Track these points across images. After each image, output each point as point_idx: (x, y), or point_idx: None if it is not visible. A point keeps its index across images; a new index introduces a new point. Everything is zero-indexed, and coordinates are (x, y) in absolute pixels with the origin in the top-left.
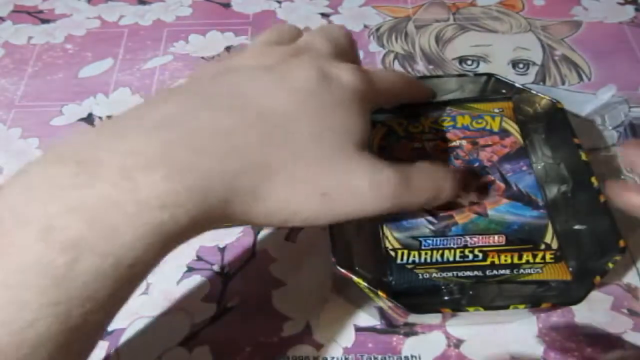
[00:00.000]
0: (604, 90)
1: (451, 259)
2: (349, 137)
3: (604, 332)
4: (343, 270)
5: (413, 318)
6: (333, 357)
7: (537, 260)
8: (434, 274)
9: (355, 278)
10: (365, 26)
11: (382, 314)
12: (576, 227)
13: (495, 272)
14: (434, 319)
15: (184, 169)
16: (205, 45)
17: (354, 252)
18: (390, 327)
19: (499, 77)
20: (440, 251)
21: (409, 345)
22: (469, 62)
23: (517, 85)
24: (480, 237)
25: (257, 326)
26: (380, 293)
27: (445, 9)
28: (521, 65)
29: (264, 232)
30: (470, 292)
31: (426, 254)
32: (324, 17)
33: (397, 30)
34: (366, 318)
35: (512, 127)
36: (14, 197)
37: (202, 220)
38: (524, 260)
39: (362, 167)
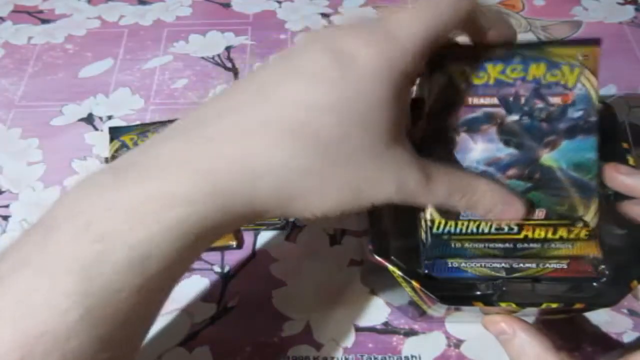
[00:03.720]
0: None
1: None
2: (375, 133)
3: (604, 332)
4: (379, 258)
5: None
6: (333, 357)
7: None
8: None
9: (390, 267)
10: None
11: (414, 309)
12: (617, 231)
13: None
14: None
15: (209, 170)
16: (205, 45)
17: (390, 243)
18: (390, 327)
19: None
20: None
21: (409, 345)
22: None
23: None
24: None
25: (257, 326)
26: (414, 283)
27: None
28: None
29: (264, 232)
30: (504, 289)
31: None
32: (324, 17)
33: None
34: (367, 318)
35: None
36: (69, 198)
37: (231, 217)
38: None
39: (390, 167)
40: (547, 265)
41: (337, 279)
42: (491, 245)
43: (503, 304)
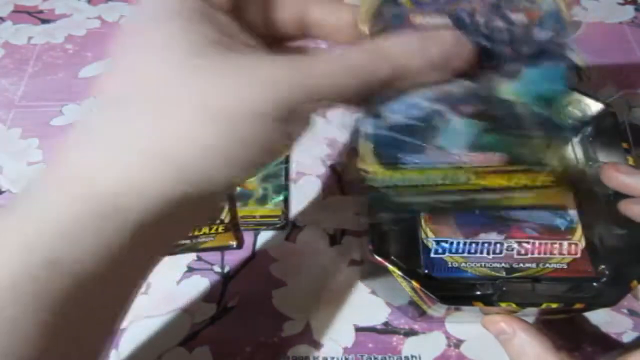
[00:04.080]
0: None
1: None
2: (191, 53)
3: (604, 332)
4: (379, 258)
5: (438, 309)
6: (333, 357)
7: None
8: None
9: (390, 267)
10: None
11: (414, 310)
12: (617, 231)
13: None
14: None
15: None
16: None
17: (390, 243)
18: (390, 327)
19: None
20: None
21: (409, 345)
22: None
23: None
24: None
25: (257, 326)
26: (414, 283)
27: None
28: None
29: (264, 232)
30: (504, 289)
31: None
32: None
33: None
34: (367, 318)
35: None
36: None
37: (127, 231)
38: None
39: (247, 70)
40: (547, 265)
41: (337, 279)
42: (442, 197)
43: (503, 304)
